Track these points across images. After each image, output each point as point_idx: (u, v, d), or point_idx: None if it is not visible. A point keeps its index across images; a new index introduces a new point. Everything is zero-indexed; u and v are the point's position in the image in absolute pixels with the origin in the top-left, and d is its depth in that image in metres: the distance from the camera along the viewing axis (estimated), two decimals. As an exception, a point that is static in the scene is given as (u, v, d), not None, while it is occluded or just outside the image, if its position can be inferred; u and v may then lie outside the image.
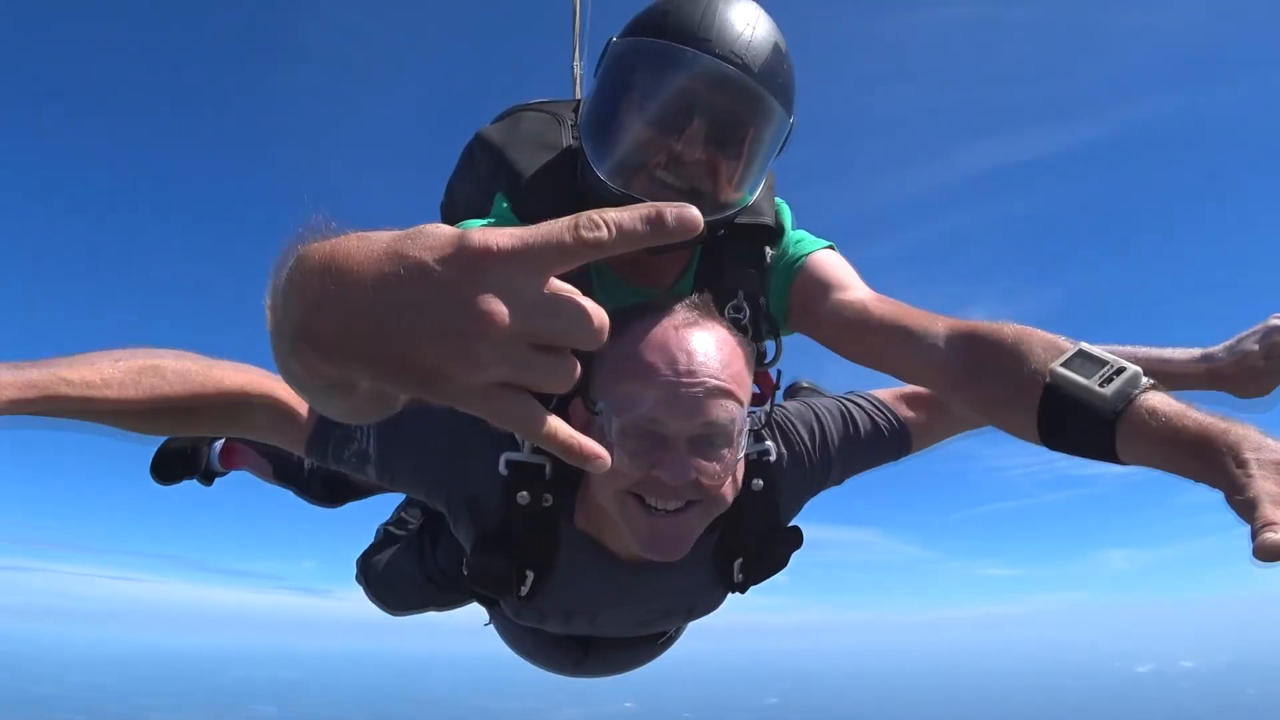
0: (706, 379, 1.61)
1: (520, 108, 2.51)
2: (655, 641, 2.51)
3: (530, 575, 1.97)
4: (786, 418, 2.12)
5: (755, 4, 1.99)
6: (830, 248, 2.22)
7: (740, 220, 2.09)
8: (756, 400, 2.00)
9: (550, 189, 2.15)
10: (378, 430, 1.91)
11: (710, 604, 2.23)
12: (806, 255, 2.15)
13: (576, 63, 3.31)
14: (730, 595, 2.21)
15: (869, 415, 2.16)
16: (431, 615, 3.08)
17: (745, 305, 2.08)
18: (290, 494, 3.31)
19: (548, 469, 1.89)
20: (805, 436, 2.09)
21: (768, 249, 2.17)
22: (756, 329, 2.10)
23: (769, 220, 2.14)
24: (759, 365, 2.06)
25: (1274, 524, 1.06)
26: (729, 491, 1.73)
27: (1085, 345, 1.51)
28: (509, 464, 1.87)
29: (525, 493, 1.88)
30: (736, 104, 1.91)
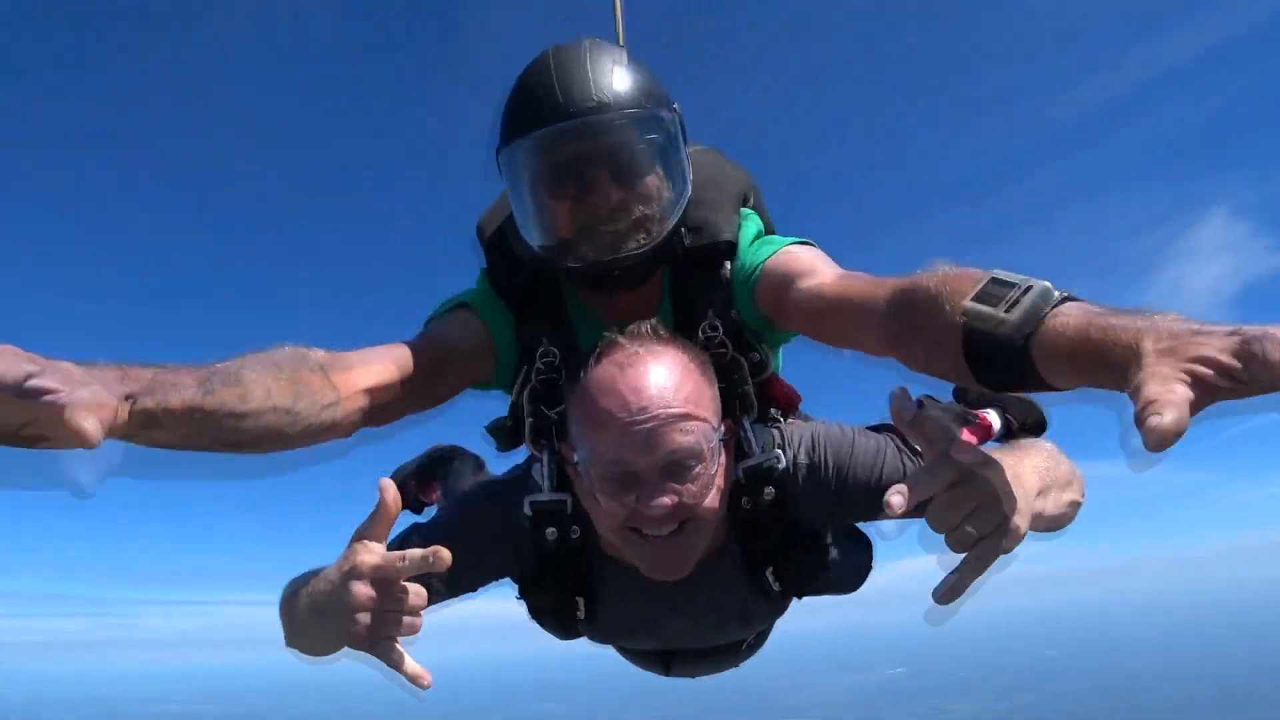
0: (658, 412, 1.64)
1: None
2: (736, 649, 2.55)
3: (581, 602, 2.08)
4: (813, 433, 2.06)
5: (577, 42, 2.08)
6: (801, 243, 2.20)
7: (693, 244, 2.18)
8: (784, 405, 2.28)
9: (512, 264, 2.25)
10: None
11: (765, 612, 2.25)
12: (763, 261, 2.14)
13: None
14: (793, 600, 2.26)
15: (900, 465, 1.97)
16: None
17: (718, 322, 2.09)
18: None
19: (568, 505, 1.95)
20: (830, 455, 2.00)
21: (727, 264, 2.20)
22: (737, 342, 2.10)
23: (724, 237, 2.18)
24: (758, 374, 2.11)
25: (1155, 402, 0.95)
26: (715, 502, 1.76)
27: (998, 271, 1.41)
28: (532, 505, 1.94)
29: (553, 529, 1.94)
30: (598, 145, 1.97)
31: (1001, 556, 1.32)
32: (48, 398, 1.09)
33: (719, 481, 1.79)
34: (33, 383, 1.07)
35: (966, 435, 2.89)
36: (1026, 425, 3.03)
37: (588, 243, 2.03)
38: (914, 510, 1.30)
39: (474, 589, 2.09)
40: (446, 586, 1.99)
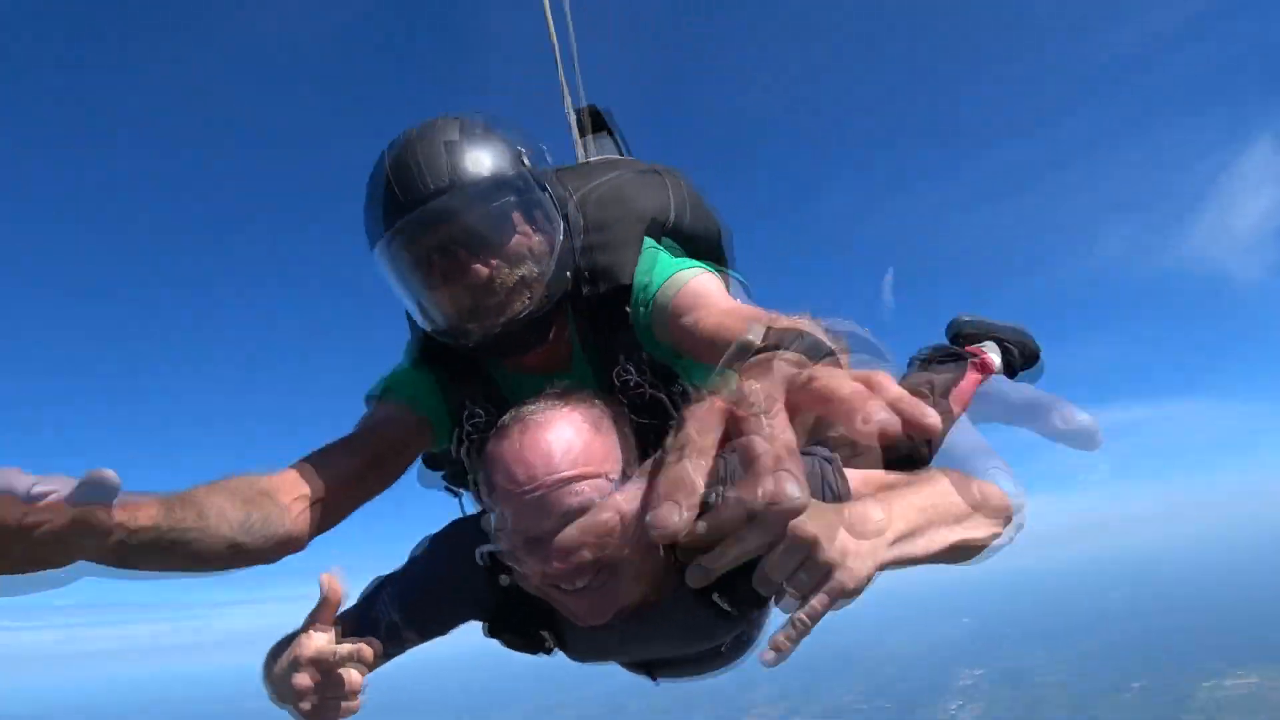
0: (544, 479, 1.63)
1: None
2: (717, 654, 2.40)
3: (547, 635, 2.09)
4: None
5: (408, 132, 2.09)
6: (695, 270, 2.15)
7: (589, 294, 2.18)
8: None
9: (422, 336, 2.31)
10: (395, 600, 2.08)
11: (730, 625, 2.11)
12: (653, 297, 2.10)
13: (569, 111, 3.54)
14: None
15: (821, 489, 1.83)
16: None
17: (630, 365, 2.16)
18: None
19: None
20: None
21: (627, 307, 2.15)
22: (657, 379, 2.18)
23: (620, 281, 2.15)
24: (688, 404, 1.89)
25: (663, 506, 0.97)
26: (628, 549, 1.68)
27: (822, 324, 1.42)
28: (481, 556, 1.84)
29: (505, 575, 1.87)
30: (445, 230, 2.01)
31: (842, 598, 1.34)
32: (52, 497, 1.22)
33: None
34: (37, 489, 1.20)
35: (966, 377, 3.18)
36: (1026, 357, 3.48)
37: (473, 321, 2.08)
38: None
39: (445, 632, 2.18)
40: (418, 634, 2.12)
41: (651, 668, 2.47)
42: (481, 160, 2.05)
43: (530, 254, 2.10)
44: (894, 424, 0.93)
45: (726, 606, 1.96)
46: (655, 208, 2.35)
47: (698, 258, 2.33)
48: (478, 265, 2.04)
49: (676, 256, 2.27)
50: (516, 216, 2.09)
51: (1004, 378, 3.45)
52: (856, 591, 1.36)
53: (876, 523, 1.45)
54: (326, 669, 1.60)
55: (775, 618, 2.05)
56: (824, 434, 1.43)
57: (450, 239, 2.03)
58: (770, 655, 1.36)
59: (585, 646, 2.19)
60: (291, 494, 1.95)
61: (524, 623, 2.08)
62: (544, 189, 2.17)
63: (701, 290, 2.08)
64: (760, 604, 2.03)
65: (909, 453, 2.44)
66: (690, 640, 2.17)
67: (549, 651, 2.20)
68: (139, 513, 1.49)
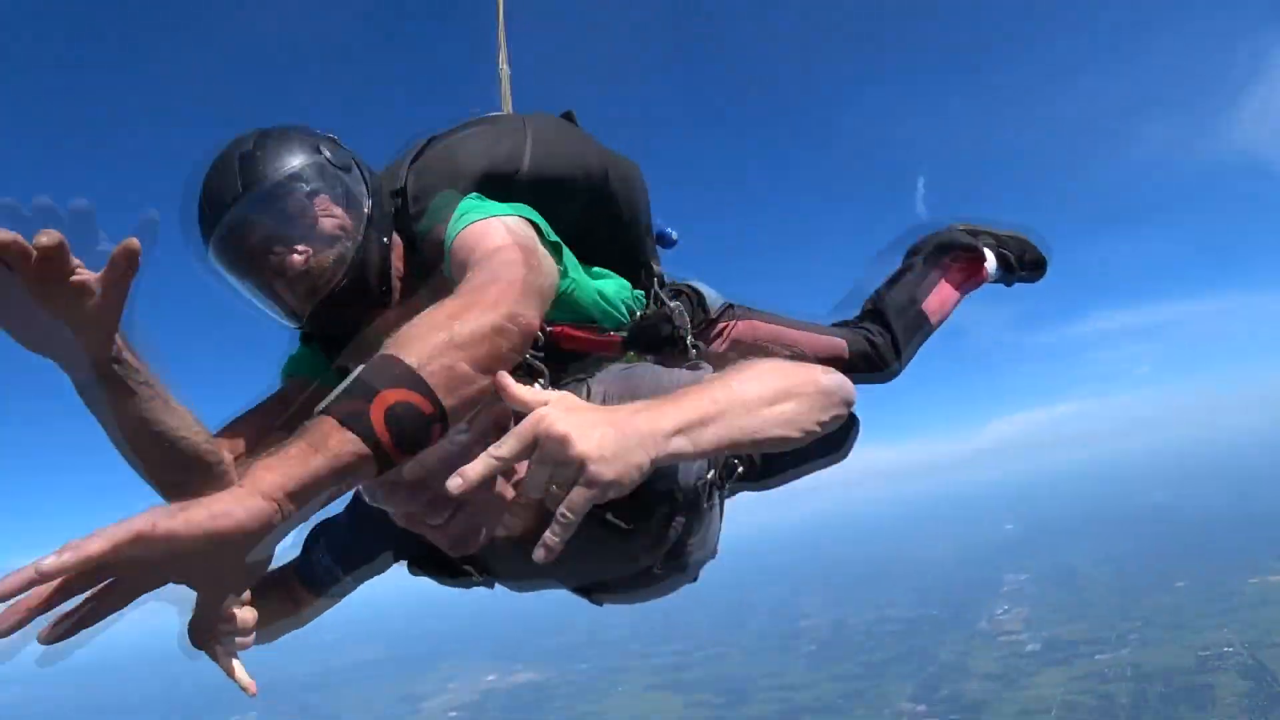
0: None
1: None
2: (650, 576, 2.32)
3: (471, 569, 2.19)
4: (618, 376, 2.12)
5: (214, 153, 2.15)
6: (471, 220, 2.06)
7: (417, 260, 2.25)
8: (589, 349, 2.31)
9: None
10: (329, 546, 2.22)
11: (642, 547, 2.14)
12: (447, 257, 2.05)
13: (502, 63, 3.44)
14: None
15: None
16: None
17: None
18: None
19: None
20: (619, 393, 2.00)
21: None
22: None
23: (437, 240, 2.13)
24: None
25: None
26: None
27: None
28: (373, 496, 1.83)
29: None
30: (249, 231, 2.09)
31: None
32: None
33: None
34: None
35: (950, 276, 3.28)
36: (1024, 261, 3.49)
37: (304, 305, 2.16)
38: None
39: (380, 572, 2.25)
40: (353, 577, 2.24)
41: (590, 591, 2.46)
42: (273, 161, 2.11)
43: (345, 231, 2.16)
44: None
45: (623, 524, 2.03)
46: (491, 161, 2.39)
47: (571, 203, 2.46)
48: (292, 256, 2.11)
49: (518, 206, 2.23)
50: (319, 201, 2.15)
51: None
52: (618, 481, 1.42)
53: (643, 416, 1.51)
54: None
55: (712, 532, 2.37)
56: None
57: (257, 240, 2.12)
58: (541, 553, 1.43)
59: (511, 575, 2.31)
60: (230, 444, 2.09)
61: (444, 560, 2.19)
62: (347, 170, 2.22)
63: (468, 243, 2.02)
64: (659, 519, 2.08)
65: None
66: (608, 562, 2.22)
67: (476, 584, 2.34)
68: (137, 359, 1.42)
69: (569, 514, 1.41)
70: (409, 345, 1.46)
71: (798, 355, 2.82)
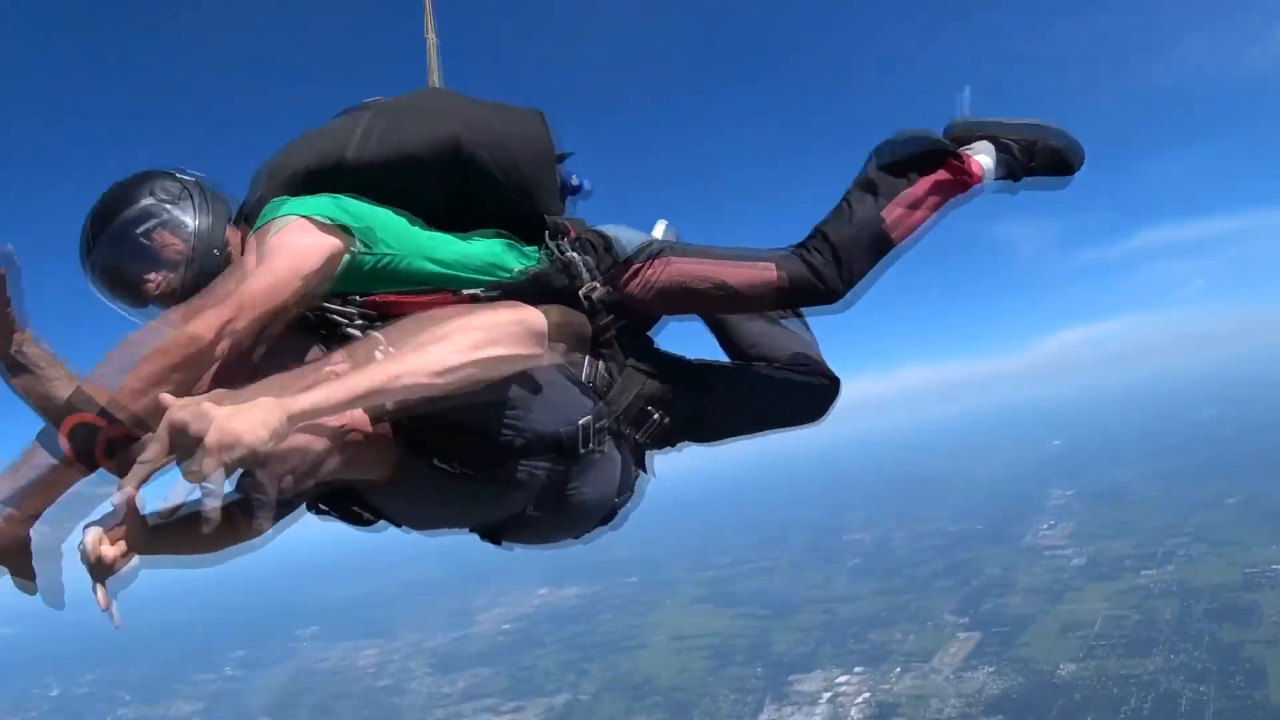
0: None
1: None
2: (534, 520, 2.54)
3: (364, 512, 2.44)
4: None
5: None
6: (265, 227, 2.39)
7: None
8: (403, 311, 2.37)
9: None
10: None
11: (493, 493, 2.37)
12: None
13: (429, 32, 3.51)
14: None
15: None
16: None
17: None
18: None
19: None
20: None
21: None
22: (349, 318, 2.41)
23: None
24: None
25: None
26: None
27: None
28: None
29: None
30: (106, 273, 2.46)
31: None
32: None
33: None
34: None
35: (921, 183, 2.80)
36: (1037, 158, 2.95)
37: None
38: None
39: (296, 507, 2.47)
40: (277, 516, 2.42)
41: (489, 534, 2.69)
42: (112, 213, 2.47)
43: (182, 254, 2.47)
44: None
45: (455, 468, 2.28)
46: (312, 159, 2.61)
47: (420, 176, 2.63)
48: (145, 285, 2.46)
49: (347, 198, 2.49)
50: (157, 235, 2.46)
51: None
52: (238, 445, 1.67)
53: (276, 387, 1.84)
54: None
55: (607, 479, 2.57)
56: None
57: (114, 278, 2.48)
58: (205, 526, 1.70)
59: (400, 520, 2.55)
60: None
61: (337, 501, 2.45)
62: (178, 202, 2.52)
63: (249, 249, 2.43)
64: (508, 466, 2.31)
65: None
66: (468, 506, 2.48)
67: (378, 527, 2.57)
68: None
69: (205, 482, 1.68)
70: (101, 371, 2.02)
71: (721, 290, 2.71)
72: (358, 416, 2.10)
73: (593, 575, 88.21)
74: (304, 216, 2.35)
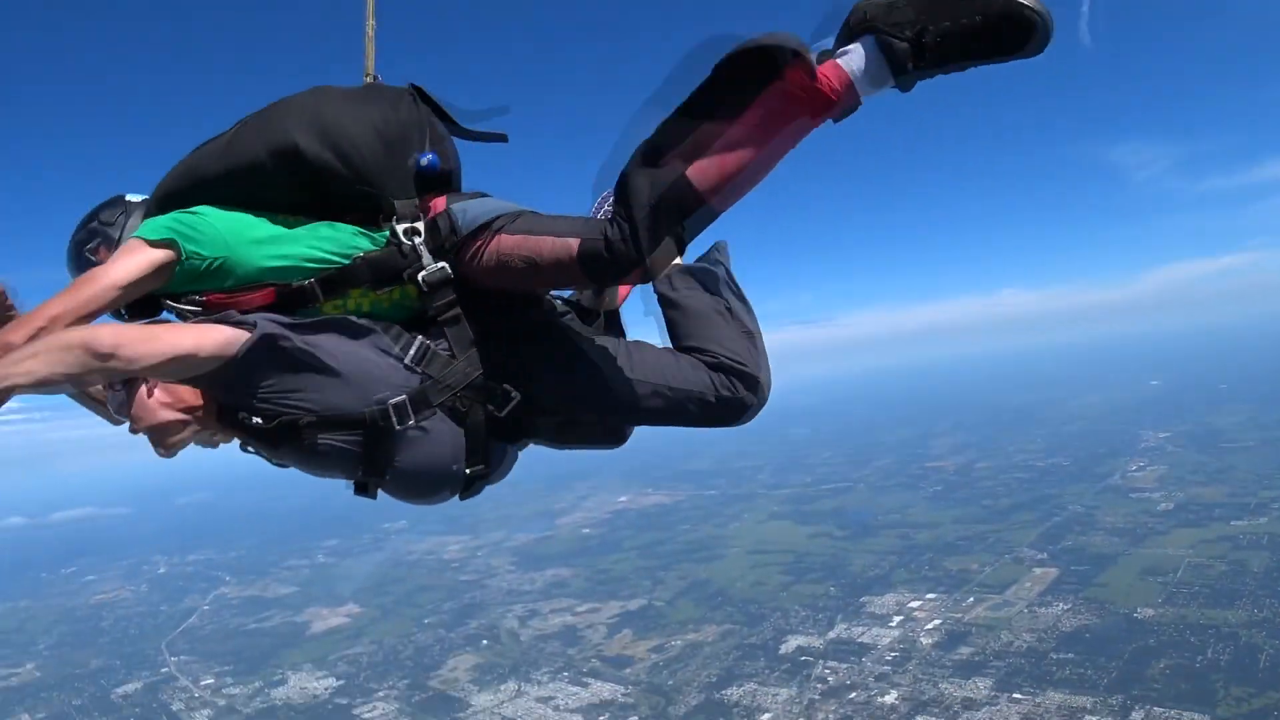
0: None
1: None
2: (378, 483, 2.86)
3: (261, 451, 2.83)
4: None
5: None
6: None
7: None
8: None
9: None
10: None
11: (335, 459, 2.73)
12: None
13: (370, 19, 3.42)
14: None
15: None
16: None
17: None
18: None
19: None
20: None
21: None
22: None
23: None
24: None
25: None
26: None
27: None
28: None
29: None
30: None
31: None
32: None
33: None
34: None
35: (750, 112, 2.29)
36: (947, 38, 2.26)
37: None
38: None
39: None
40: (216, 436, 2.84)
41: (360, 488, 2.93)
42: (74, 235, 3.15)
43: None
44: None
45: (269, 439, 2.68)
46: (172, 180, 2.92)
47: (268, 180, 2.81)
48: None
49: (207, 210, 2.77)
50: (99, 253, 3.02)
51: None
52: None
53: None
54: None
55: (422, 455, 2.74)
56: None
57: None
58: None
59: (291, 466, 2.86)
60: None
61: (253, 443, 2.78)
62: (111, 224, 3.11)
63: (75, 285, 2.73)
64: (286, 439, 2.64)
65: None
66: (327, 467, 2.78)
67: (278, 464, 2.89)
68: None
69: None
70: None
71: (528, 264, 2.65)
72: (185, 393, 2.62)
73: (674, 484, 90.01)
74: (138, 237, 2.70)
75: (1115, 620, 43.09)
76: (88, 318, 2.56)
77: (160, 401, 2.58)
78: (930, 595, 51.14)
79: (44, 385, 2.27)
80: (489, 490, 3.06)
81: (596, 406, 2.93)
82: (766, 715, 39.63)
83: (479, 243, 2.71)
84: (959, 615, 47.36)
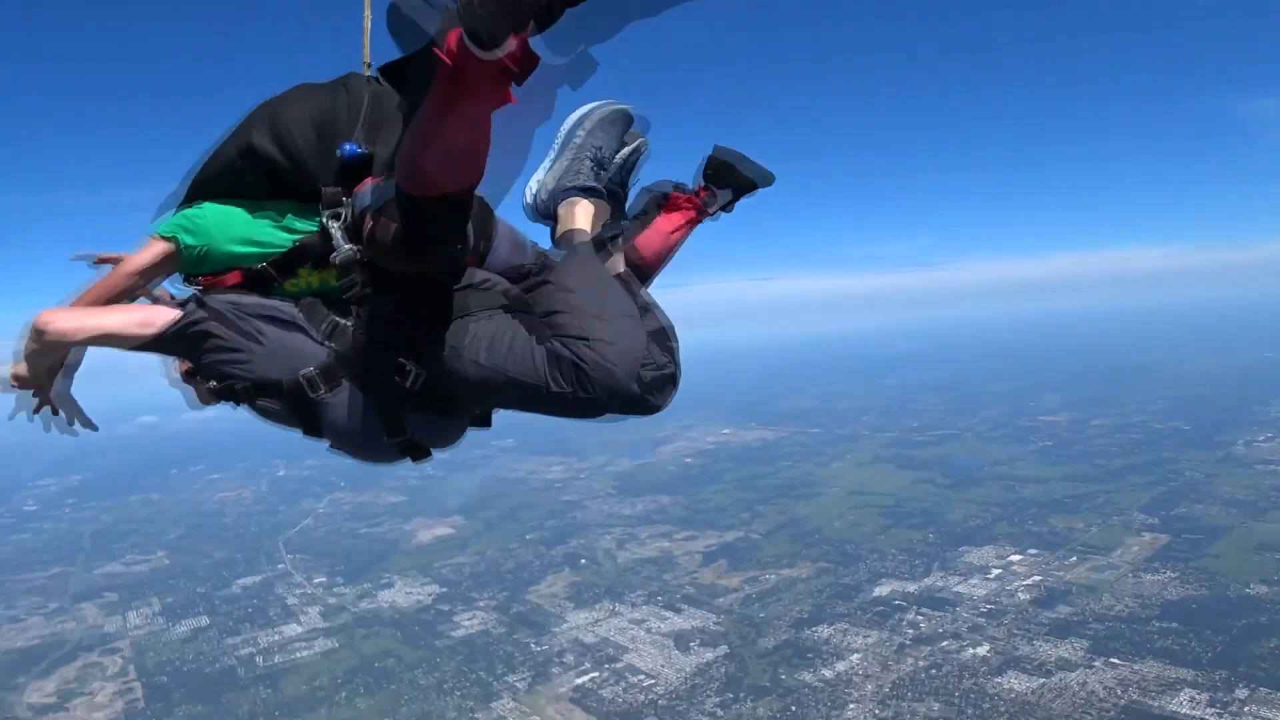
0: None
1: None
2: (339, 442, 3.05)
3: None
4: None
5: None
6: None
7: None
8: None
9: None
10: None
11: (287, 417, 3.03)
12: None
13: (367, 10, 3.37)
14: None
15: None
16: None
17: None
18: None
19: None
20: None
21: None
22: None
23: None
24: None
25: None
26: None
27: None
28: None
29: None
30: None
31: None
32: None
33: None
34: None
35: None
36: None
37: None
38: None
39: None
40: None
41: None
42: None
43: None
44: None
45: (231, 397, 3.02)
46: (183, 185, 3.16)
47: (245, 175, 3.03)
48: None
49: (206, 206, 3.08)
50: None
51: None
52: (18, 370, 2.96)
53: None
54: None
55: (343, 418, 2.91)
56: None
57: None
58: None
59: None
60: None
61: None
62: None
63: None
64: (236, 398, 2.98)
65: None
66: (271, 424, 3.08)
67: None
68: None
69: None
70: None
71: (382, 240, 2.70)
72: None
73: (778, 421, 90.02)
74: (153, 234, 3.07)
75: (1224, 594, 42.15)
76: (117, 298, 3.05)
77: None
78: (1032, 551, 50.81)
79: (32, 358, 2.95)
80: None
81: (468, 387, 2.83)
82: (855, 655, 40.37)
83: (366, 227, 2.71)
84: (1060, 574, 47.01)
